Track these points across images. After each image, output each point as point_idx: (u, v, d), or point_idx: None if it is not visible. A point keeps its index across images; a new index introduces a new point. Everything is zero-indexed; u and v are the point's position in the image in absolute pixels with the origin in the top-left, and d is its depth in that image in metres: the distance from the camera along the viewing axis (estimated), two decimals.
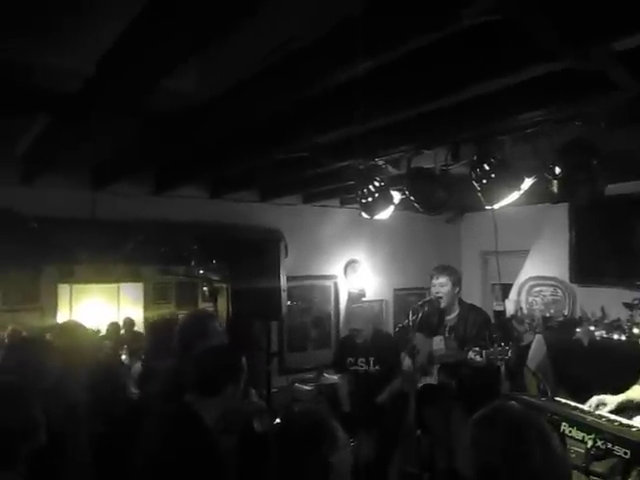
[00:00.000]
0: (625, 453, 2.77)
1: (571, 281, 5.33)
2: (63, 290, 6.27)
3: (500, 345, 3.93)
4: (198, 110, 2.95)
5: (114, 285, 6.63)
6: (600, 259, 5.11)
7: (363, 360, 4.69)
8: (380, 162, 3.63)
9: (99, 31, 2.10)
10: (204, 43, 1.90)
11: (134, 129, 3.37)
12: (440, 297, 4.30)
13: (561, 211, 5.32)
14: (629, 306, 4.72)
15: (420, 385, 4.19)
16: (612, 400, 3.29)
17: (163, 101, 2.87)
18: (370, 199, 3.66)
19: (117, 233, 4.66)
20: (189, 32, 1.81)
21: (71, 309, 6.33)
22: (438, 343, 4.27)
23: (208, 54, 2.25)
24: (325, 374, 4.84)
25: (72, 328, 3.44)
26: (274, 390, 4.92)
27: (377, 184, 3.63)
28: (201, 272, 5.12)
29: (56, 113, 2.88)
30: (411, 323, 4.04)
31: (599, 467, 3.20)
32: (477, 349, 3.94)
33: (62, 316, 6.20)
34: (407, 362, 4.17)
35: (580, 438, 2.97)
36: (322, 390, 4.73)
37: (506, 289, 5.94)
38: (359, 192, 3.71)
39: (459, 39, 2.15)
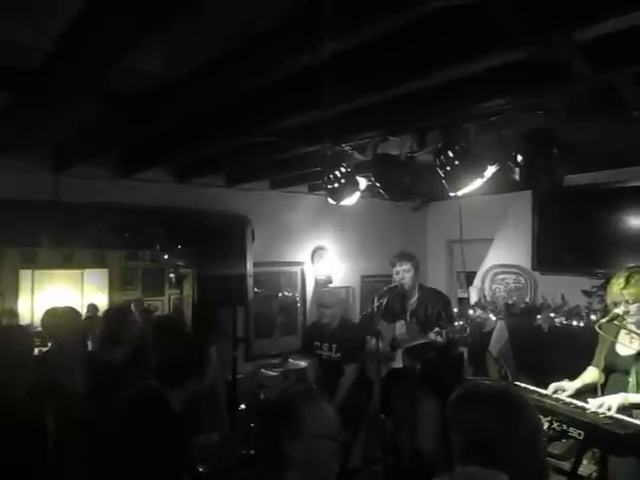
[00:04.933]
0: (579, 434, 2.86)
1: (533, 269, 5.44)
2: (25, 276, 6.15)
3: (459, 324, 4.05)
4: (163, 90, 2.90)
5: (78, 271, 6.53)
6: (561, 248, 5.23)
7: (327, 346, 4.76)
8: (346, 148, 3.63)
9: (57, 6, 2.05)
10: (167, 18, 1.87)
11: (98, 109, 3.30)
12: (404, 282, 4.38)
13: (524, 201, 5.42)
14: (587, 293, 4.84)
15: (386, 371, 4.28)
16: (570, 386, 3.41)
17: (128, 81, 2.81)
18: (336, 185, 3.66)
19: (80, 217, 4.56)
20: (150, 6, 1.78)
21: (33, 295, 6.21)
22: (400, 328, 4.36)
23: (174, 33, 2.23)
24: (291, 360, 4.87)
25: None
26: (240, 376, 4.92)
27: (343, 170, 3.62)
28: (166, 257, 5.07)
29: (14, 91, 2.80)
30: (376, 310, 4.11)
31: (556, 449, 3.32)
32: (437, 329, 4.05)
33: (23, 302, 6.08)
34: (372, 348, 4.23)
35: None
36: (287, 376, 4.76)
37: (470, 277, 6.04)
38: (325, 178, 3.71)
39: (423, 25, 2.17)
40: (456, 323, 4.16)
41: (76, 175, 4.56)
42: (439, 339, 4.04)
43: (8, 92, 2.90)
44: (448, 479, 1.22)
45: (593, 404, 3.08)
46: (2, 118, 3.31)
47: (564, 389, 3.39)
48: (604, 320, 3.32)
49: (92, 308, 6.14)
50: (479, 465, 1.36)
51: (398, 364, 4.35)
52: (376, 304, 4.15)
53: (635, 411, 2.99)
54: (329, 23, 1.81)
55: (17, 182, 4.33)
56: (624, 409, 2.99)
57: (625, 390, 3.13)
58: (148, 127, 3.54)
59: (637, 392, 3.09)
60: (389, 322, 4.39)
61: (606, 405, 3.00)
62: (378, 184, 3.53)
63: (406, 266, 4.44)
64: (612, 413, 2.94)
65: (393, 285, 4.42)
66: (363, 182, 3.77)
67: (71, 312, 3.59)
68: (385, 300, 4.17)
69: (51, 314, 3.54)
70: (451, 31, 2.17)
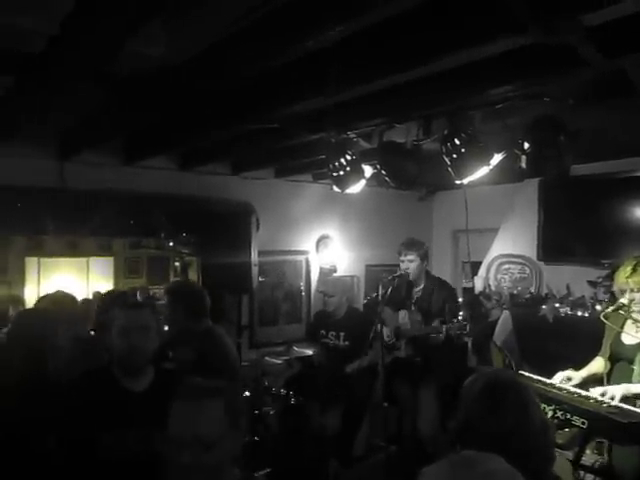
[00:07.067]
0: (583, 423, 2.86)
1: (538, 259, 5.42)
2: (31, 264, 6.17)
3: (458, 320, 4.04)
4: (168, 75, 2.88)
5: (83, 259, 6.54)
6: (567, 238, 5.20)
7: (334, 334, 4.76)
8: (352, 135, 3.61)
9: None
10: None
11: (102, 95, 3.29)
12: (409, 272, 4.38)
13: (530, 191, 5.39)
14: (593, 284, 4.82)
15: (389, 359, 4.29)
16: (576, 375, 3.41)
17: (131, 66, 2.80)
18: (342, 173, 3.66)
19: (85, 204, 4.57)
20: None
21: (39, 283, 6.23)
22: (403, 317, 4.37)
23: (178, 16, 2.21)
24: (295, 348, 4.88)
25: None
26: (244, 363, 4.93)
27: (349, 157, 3.62)
28: (171, 245, 5.07)
29: (18, 75, 2.79)
30: (380, 297, 4.11)
31: (560, 438, 3.31)
32: (437, 323, 4.07)
33: (30, 290, 6.10)
34: (378, 336, 4.24)
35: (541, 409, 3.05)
36: (292, 363, 4.77)
37: (475, 267, 6.02)
38: (331, 165, 3.70)
39: (428, 11, 2.15)
40: (455, 319, 4.12)
41: (82, 162, 4.56)
42: (439, 334, 4.05)
43: (13, 76, 2.90)
44: (445, 462, 1.23)
45: (595, 393, 3.08)
46: (7, 104, 3.30)
47: (570, 378, 3.39)
48: (610, 309, 3.32)
49: (98, 297, 6.16)
50: (475, 449, 1.37)
51: (402, 353, 4.36)
52: (381, 292, 4.14)
53: (638, 402, 2.99)
54: (334, 6, 1.79)
55: (23, 169, 4.33)
56: (626, 399, 2.99)
57: (629, 379, 3.12)
58: (153, 113, 3.52)
59: None
60: (394, 310, 4.40)
61: (609, 395, 3.00)
62: (384, 172, 3.52)
63: (411, 256, 4.43)
64: (615, 403, 2.94)
65: (398, 273, 4.43)
66: (368, 170, 3.76)
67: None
68: (390, 288, 4.17)
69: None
70: (456, 17, 2.14)
